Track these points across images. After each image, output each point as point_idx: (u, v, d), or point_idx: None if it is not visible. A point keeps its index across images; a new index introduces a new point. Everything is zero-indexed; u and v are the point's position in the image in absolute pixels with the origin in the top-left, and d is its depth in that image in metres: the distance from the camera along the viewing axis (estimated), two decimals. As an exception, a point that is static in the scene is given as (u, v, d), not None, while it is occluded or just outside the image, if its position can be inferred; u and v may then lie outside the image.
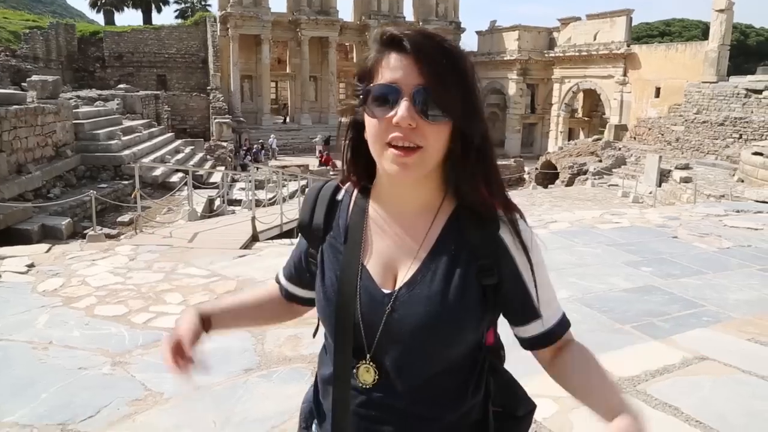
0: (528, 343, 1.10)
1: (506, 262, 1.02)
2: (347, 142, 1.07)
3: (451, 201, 1.05)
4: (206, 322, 1.20)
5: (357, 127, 1.03)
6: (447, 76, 0.94)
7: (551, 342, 1.09)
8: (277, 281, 1.28)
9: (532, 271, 1.04)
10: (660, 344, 3.52)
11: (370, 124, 0.97)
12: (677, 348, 3.42)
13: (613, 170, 22.71)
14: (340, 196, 1.13)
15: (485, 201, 1.01)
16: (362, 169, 1.08)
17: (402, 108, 0.92)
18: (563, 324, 1.10)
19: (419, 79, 0.93)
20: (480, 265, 1.01)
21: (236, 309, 1.28)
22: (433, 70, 0.93)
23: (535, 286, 1.05)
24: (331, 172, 27.03)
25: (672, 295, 4.48)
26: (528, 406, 1.16)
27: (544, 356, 1.11)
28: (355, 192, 1.11)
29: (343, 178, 1.13)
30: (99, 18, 54.67)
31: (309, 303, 1.25)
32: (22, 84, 16.36)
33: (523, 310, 1.06)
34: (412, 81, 0.93)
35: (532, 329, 1.07)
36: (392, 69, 0.94)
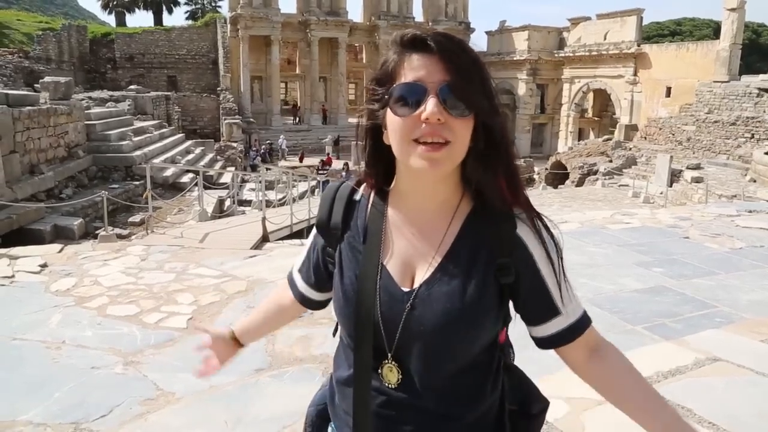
0: (549, 342, 1.08)
1: (524, 259, 1.03)
2: (366, 146, 1.06)
3: (468, 200, 1.05)
4: (236, 341, 1.37)
5: (375, 131, 1.04)
6: (470, 72, 0.95)
7: (573, 337, 1.07)
8: (292, 286, 1.28)
9: (553, 267, 1.04)
10: (672, 345, 3.49)
11: (395, 122, 0.97)
12: (689, 349, 3.39)
13: (624, 170, 22.55)
14: (357, 197, 1.13)
15: (504, 197, 1.02)
16: (381, 173, 1.08)
17: (430, 104, 0.93)
18: (585, 320, 1.08)
19: (444, 76, 0.94)
20: (498, 264, 1.01)
21: (258, 323, 1.39)
22: (458, 66, 0.94)
23: (557, 281, 1.05)
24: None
25: (684, 296, 4.45)
26: (541, 404, 1.17)
27: (575, 358, 1.09)
28: (372, 193, 1.11)
29: (359, 180, 1.13)
30: (110, 19, 55.23)
31: (321, 306, 1.27)
32: (35, 85, 16.52)
33: (544, 307, 1.05)
34: (437, 78, 0.94)
35: (553, 326, 1.06)
36: (415, 68, 0.96)
